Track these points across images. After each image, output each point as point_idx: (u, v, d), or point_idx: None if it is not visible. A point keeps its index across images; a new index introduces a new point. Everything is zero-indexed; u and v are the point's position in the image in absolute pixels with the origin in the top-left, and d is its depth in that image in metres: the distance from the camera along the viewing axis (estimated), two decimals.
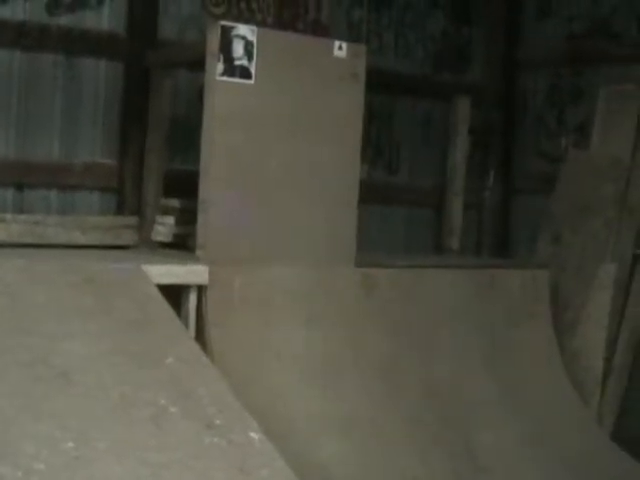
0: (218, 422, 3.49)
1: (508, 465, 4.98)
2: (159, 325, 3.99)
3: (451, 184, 6.71)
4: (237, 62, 4.69)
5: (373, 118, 6.44)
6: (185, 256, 4.76)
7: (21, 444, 3.07)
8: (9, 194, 5.23)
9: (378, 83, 5.88)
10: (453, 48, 7.06)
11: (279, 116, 4.85)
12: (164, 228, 5.12)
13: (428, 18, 6.91)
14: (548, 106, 6.98)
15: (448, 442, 4.91)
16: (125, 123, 5.57)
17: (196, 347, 4.00)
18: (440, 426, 4.95)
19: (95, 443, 3.18)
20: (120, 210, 5.53)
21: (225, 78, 4.67)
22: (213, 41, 4.66)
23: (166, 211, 5.18)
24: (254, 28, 4.78)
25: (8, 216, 4.89)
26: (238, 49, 4.69)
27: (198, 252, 4.70)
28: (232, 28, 4.70)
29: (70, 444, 3.14)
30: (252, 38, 4.73)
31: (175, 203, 5.14)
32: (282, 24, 5.95)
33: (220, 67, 4.65)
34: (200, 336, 4.46)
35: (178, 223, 5.07)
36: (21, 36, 5.19)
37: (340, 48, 5.01)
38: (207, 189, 4.70)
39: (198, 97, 4.99)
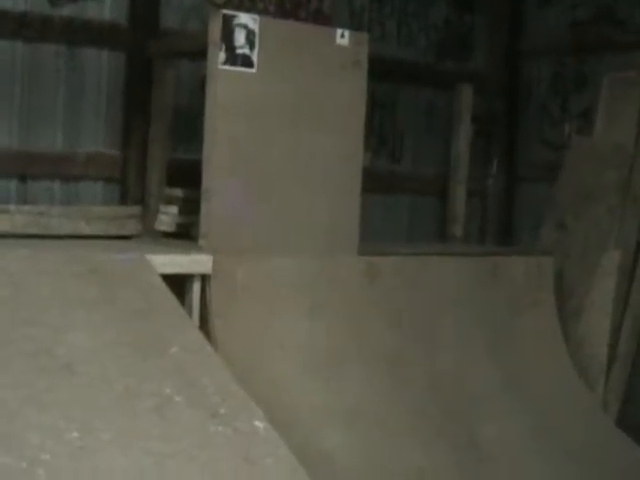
0: (223, 411, 3.50)
1: (512, 457, 4.97)
2: (163, 315, 4.00)
3: (454, 172, 6.70)
4: (239, 51, 4.68)
5: (376, 106, 6.42)
6: (189, 245, 4.76)
7: (26, 435, 3.08)
8: (12, 185, 5.22)
9: (381, 71, 5.87)
10: (456, 36, 7.03)
11: (281, 105, 4.84)
12: (167, 218, 5.12)
13: (431, 6, 6.88)
14: (551, 94, 6.96)
15: (452, 434, 4.89)
16: (128, 113, 5.55)
17: (200, 336, 4.00)
18: (444, 418, 4.94)
19: (99, 433, 3.19)
20: (124, 200, 5.52)
21: (227, 67, 4.66)
22: (215, 30, 4.64)
23: (169, 201, 5.17)
24: (256, 17, 4.77)
25: (12, 207, 4.89)
26: (240, 38, 4.68)
27: (201, 241, 4.69)
28: (234, 17, 4.69)
29: (74, 434, 3.14)
30: (254, 27, 4.72)
31: (178, 193, 5.13)
32: (284, 12, 5.92)
33: (222, 56, 4.64)
34: (204, 325, 4.47)
35: (181, 212, 5.07)
36: (23, 27, 5.16)
37: (342, 36, 5.00)
38: (210, 178, 4.69)
39: (200, 87, 4.99)
